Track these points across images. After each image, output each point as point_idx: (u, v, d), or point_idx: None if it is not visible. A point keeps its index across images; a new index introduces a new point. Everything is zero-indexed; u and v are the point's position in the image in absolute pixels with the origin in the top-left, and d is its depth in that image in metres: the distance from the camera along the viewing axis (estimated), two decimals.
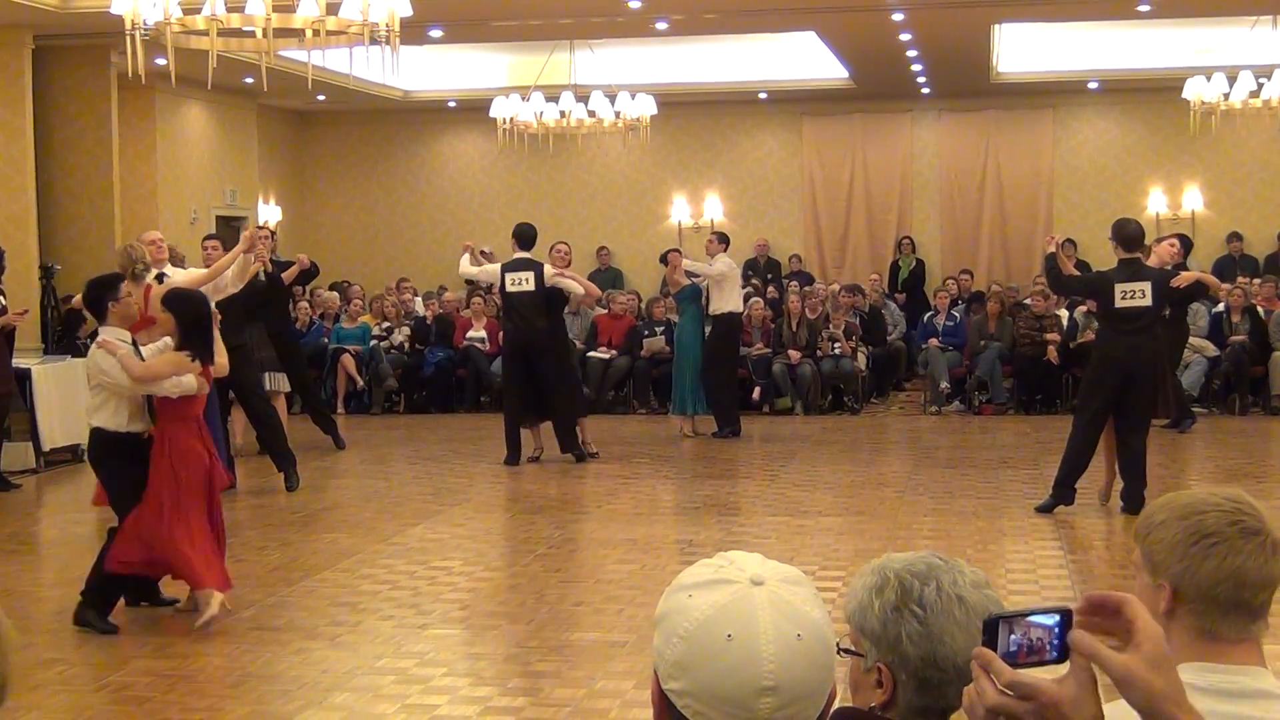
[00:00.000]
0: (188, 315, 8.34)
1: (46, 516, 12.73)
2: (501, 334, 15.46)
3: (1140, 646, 1.88)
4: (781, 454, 15.03)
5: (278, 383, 14.43)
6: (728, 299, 16.03)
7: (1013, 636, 1.87)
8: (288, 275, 14.55)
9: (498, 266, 14.45)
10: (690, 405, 16.21)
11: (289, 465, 12.93)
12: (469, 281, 18.47)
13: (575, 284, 14.72)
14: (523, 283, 14.17)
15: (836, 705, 2.12)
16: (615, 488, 13.01)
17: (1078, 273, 12.66)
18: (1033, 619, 1.88)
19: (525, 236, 14.48)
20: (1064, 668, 1.86)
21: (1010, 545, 10.30)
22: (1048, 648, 1.86)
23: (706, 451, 15.50)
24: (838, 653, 2.17)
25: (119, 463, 8.29)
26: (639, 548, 10.34)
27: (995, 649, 1.86)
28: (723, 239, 16.50)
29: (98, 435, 8.33)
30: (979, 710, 1.86)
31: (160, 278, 10.93)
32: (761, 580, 1.98)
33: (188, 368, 8.17)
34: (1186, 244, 15.31)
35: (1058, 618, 1.87)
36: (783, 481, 13.15)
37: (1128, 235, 11.04)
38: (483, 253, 14.89)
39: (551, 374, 14.22)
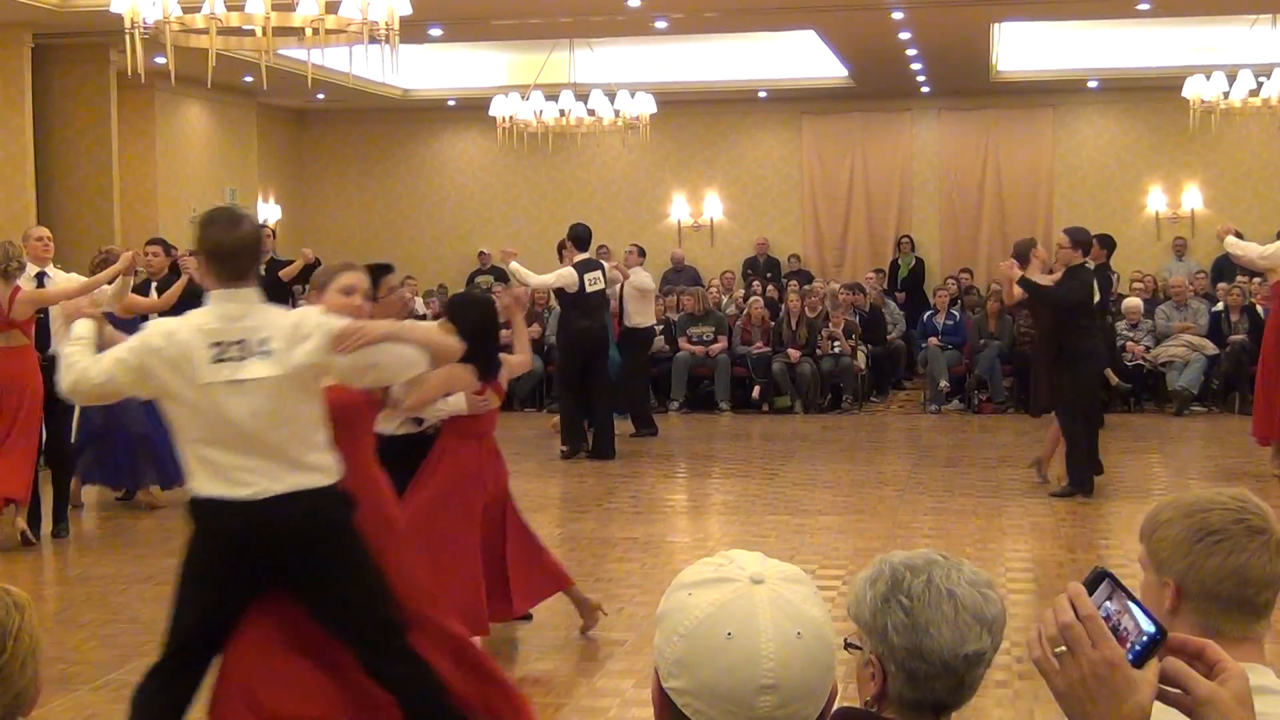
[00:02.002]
0: (473, 323, 6.98)
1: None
2: (561, 333, 15.18)
3: (1227, 683, 1.88)
4: (781, 453, 15.03)
5: None
6: (644, 313, 16.14)
7: (1107, 603, 1.86)
8: (288, 272, 14.46)
9: (571, 270, 14.50)
10: None
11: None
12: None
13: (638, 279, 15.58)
14: (597, 282, 14.57)
15: (839, 704, 2.13)
16: (614, 486, 13.01)
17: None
18: (1134, 608, 1.86)
19: (584, 239, 14.71)
20: None
21: (1010, 544, 10.30)
22: (1129, 644, 1.83)
23: (706, 450, 15.51)
24: (844, 647, 2.19)
25: None
26: (638, 546, 10.34)
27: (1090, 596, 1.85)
28: (642, 252, 16.82)
29: None
30: (1048, 622, 1.85)
31: (41, 277, 10.76)
32: (761, 579, 1.98)
33: (462, 384, 6.88)
34: (1106, 243, 14.90)
35: (1155, 629, 1.84)
36: (782, 480, 13.15)
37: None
38: (504, 252, 14.97)
39: (604, 372, 14.69)
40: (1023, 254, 12.13)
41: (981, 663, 2.28)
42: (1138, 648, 1.82)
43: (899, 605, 2.27)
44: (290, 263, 14.62)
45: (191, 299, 11.45)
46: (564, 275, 14.56)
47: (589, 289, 14.50)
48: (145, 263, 12.30)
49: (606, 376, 14.74)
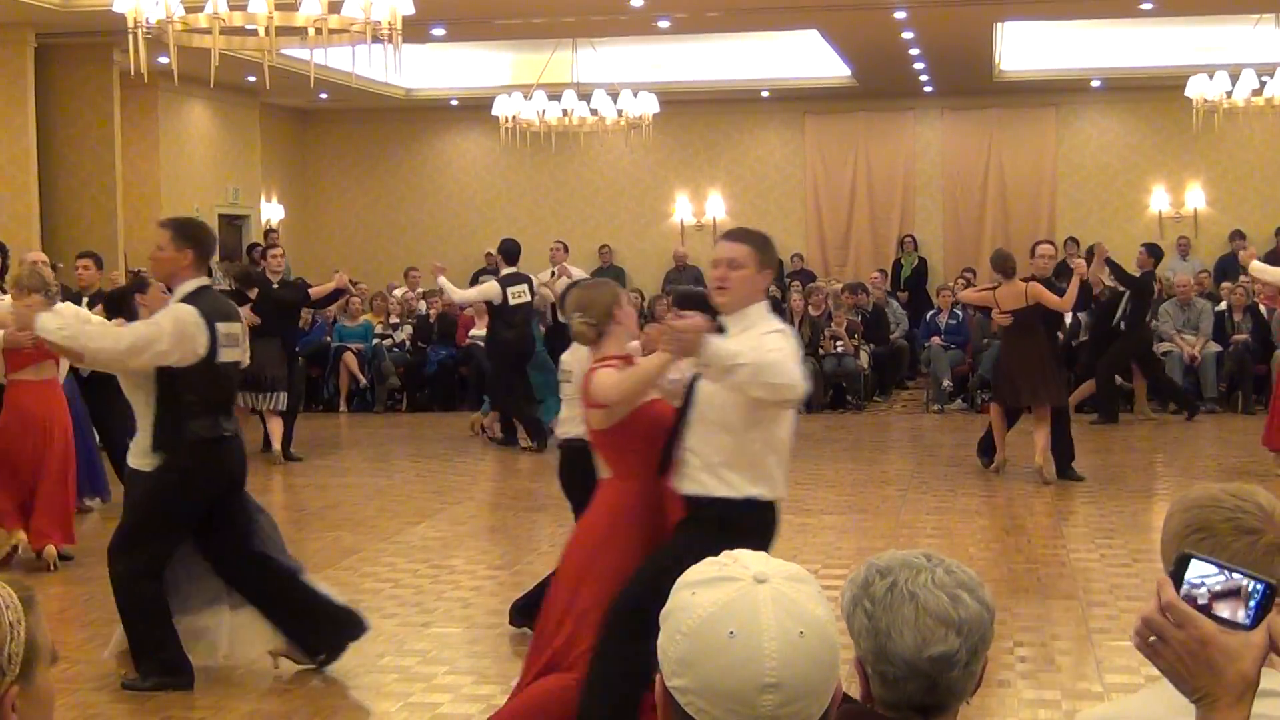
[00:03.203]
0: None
1: None
2: (489, 343, 15.80)
3: None
4: None
5: (275, 401, 13.95)
6: None
7: (1206, 580, 1.99)
8: (318, 292, 14.57)
9: (495, 284, 14.97)
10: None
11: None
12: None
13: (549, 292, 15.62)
14: (521, 295, 14.91)
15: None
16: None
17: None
18: (1236, 574, 1.99)
19: (513, 253, 15.24)
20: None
21: (1013, 543, 10.30)
22: (1245, 607, 1.97)
23: None
24: None
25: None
26: None
27: (1180, 581, 1.99)
28: (566, 249, 17.11)
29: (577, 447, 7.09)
30: (1140, 619, 2.02)
31: None
32: (765, 578, 1.98)
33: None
34: (1155, 252, 16.21)
35: (1262, 585, 1.98)
36: None
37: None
38: (434, 266, 15.82)
39: (524, 377, 15.12)
40: (1007, 267, 12.75)
41: (952, 665, 2.27)
42: (1252, 606, 1.97)
43: (863, 609, 2.30)
44: (295, 282, 14.73)
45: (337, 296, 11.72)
46: (486, 290, 15.20)
47: (512, 301, 14.88)
48: (77, 277, 12.09)
49: (527, 382, 15.12)
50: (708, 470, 5.48)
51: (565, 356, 7.35)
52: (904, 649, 2.27)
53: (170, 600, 7.01)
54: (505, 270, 15.07)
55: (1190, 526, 2.48)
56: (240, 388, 13.31)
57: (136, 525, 7.03)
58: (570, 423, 7.23)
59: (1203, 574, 1.99)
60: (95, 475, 11.32)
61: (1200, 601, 1.98)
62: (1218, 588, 1.98)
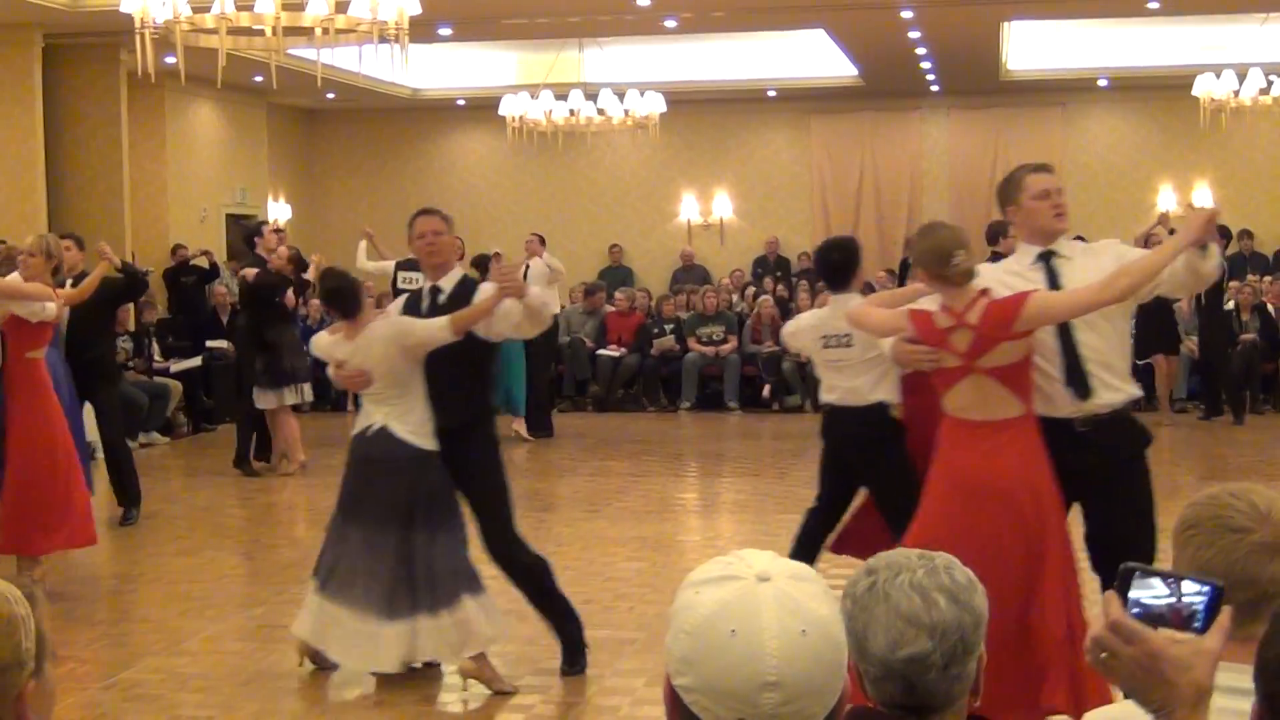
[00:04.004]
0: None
1: None
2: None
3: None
4: (791, 451, 15.02)
5: (303, 393, 13.81)
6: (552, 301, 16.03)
7: (1152, 592, 1.98)
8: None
9: (392, 264, 13.73)
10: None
11: (133, 503, 11.41)
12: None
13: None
14: (411, 282, 13.87)
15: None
16: (625, 485, 13.01)
17: None
18: (1184, 582, 1.98)
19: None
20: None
21: None
22: (1196, 613, 1.97)
23: (716, 449, 15.51)
24: None
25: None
26: (649, 545, 10.34)
27: (1126, 596, 1.99)
28: (542, 240, 16.21)
29: (882, 412, 7.14)
30: (1089, 638, 2.03)
31: None
32: (768, 576, 1.99)
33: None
34: (1225, 233, 16.11)
35: (1209, 588, 1.97)
36: (793, 479, 13.13)
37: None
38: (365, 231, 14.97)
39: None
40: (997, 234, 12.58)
41: (927, 668, 2.27)
42: (1200, 611, 1.97)
43: (844, 608, 2.30)
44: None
45: (116, 289, 11.01)
46: (384, 267, 13.81)
47: (400, 285, 13.66)
48: (22, 267, 11.51)
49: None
50: (1119, 378, 5.78)
51: (822, 318, 7.34)
52: (877, 649, 2.28)
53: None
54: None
55: (1183, 524, 2.52)
56: (267, 385, 13.35)
57: (503, 506, 6.99)
58: (843, 391, 7.22)
59: (1149, 587, 1.97)
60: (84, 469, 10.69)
61: (1152, 612, 1.96)
62: (1165, 598, 1.97)
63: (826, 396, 7.43)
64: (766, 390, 18.18)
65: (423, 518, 6.74)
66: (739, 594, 1.97)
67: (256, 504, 12.38)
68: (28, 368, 9.03)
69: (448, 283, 7.01)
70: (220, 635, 8.04)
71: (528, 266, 15.45)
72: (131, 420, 15.63)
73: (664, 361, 18.74)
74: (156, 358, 17.03)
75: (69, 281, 10.87)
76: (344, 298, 7.22)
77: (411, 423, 6.82)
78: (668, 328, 19.04)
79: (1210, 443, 15.27)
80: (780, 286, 20.95)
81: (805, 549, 7.41)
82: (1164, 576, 1.97)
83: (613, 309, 19.58)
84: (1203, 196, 22.67)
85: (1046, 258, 5.79)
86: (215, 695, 6.96)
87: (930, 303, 5.81)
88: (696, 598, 1.99)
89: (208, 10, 10.19)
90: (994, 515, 5.50)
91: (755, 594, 1.96)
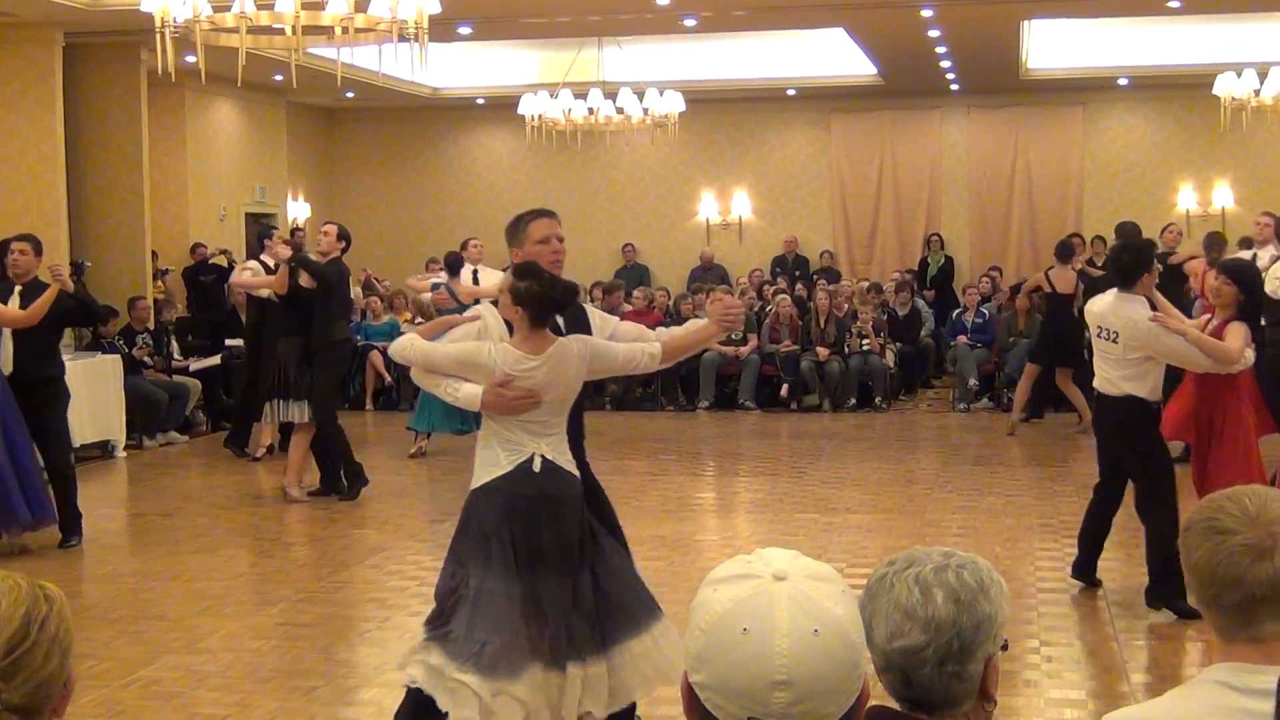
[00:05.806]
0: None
1: None
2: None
3: None
4: (809, 451, 15.01)
5: (293, 412, 12.24)
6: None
7: None
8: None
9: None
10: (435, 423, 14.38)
11: (73, 530, 10.47)
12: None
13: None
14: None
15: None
16: (643, 484, 13.01)
17: None
18: None
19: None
20: None
21: (1039, 543, 10.26)
22: None
23: (734, 448, 15.51)
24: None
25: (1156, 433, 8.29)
26: (667, 544, 10.34)
27: None
28: (479, 246, 15.77)
29: (1139, 405, 8.16)
30: None
31: None
32: (784, 575, 1.99)
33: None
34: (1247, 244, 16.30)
35: None
36: (810, 479, 13.13)
37: None
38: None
39: None
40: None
41: (921, 662, 2.29)
42: None
43: (860, 599, 2.32)
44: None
45: (68, 313, 10.33)
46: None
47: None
48: (12, 262, 10.47)
49: None
50: None
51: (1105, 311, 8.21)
52: (878, 639, 2.31)
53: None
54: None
55: (1182, 526, 2.55)
56: (266, 396, 12.67)
57: None
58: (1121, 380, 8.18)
59: None
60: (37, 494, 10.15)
61: None
62: None
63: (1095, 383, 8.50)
64: (784, 389, 18.16)
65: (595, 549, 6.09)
66: (754, 592, 1.97)
67: (275, 502, 12.40)
68: None
69: None
70: (238, 633, 8.06)
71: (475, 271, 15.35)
72: (150, 418, 15.71)
73: (682, 360, 18.71)
74: (176, 356, 17.07)
75: (18, 289, 10.34)
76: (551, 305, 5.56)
77: (568, 454, 5.74)
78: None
79: None
80: (799, 285, 20.91)
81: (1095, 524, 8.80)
82: None
83: (630, 308, 19.56)
84: (1223, 195, 22.61)
85: None
86: (233, 693, 6.97)
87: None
88: (713, 595, 2.00)
89: (228, 9, 10.21)
90: None
91: (770, 592, 1.97)
